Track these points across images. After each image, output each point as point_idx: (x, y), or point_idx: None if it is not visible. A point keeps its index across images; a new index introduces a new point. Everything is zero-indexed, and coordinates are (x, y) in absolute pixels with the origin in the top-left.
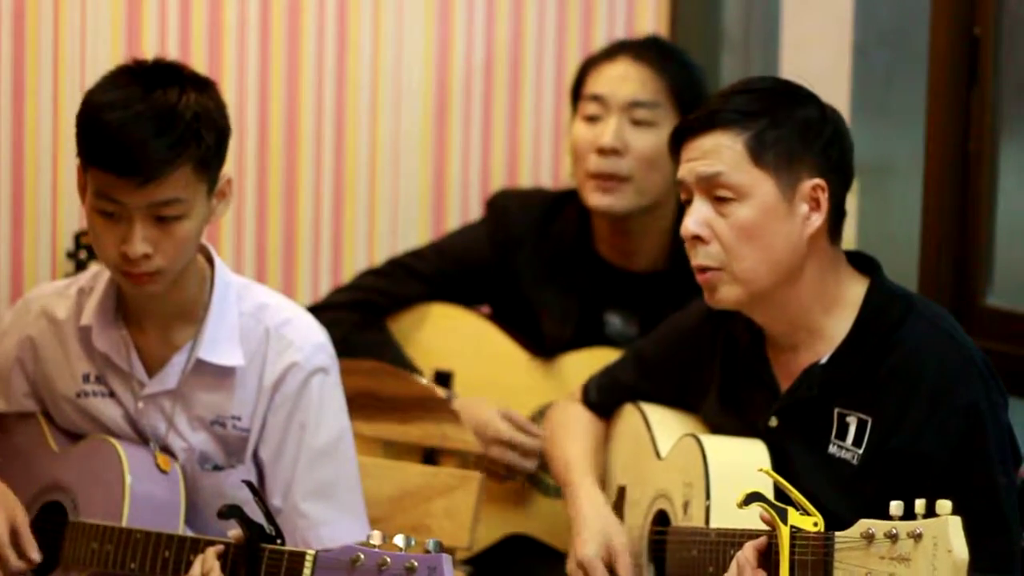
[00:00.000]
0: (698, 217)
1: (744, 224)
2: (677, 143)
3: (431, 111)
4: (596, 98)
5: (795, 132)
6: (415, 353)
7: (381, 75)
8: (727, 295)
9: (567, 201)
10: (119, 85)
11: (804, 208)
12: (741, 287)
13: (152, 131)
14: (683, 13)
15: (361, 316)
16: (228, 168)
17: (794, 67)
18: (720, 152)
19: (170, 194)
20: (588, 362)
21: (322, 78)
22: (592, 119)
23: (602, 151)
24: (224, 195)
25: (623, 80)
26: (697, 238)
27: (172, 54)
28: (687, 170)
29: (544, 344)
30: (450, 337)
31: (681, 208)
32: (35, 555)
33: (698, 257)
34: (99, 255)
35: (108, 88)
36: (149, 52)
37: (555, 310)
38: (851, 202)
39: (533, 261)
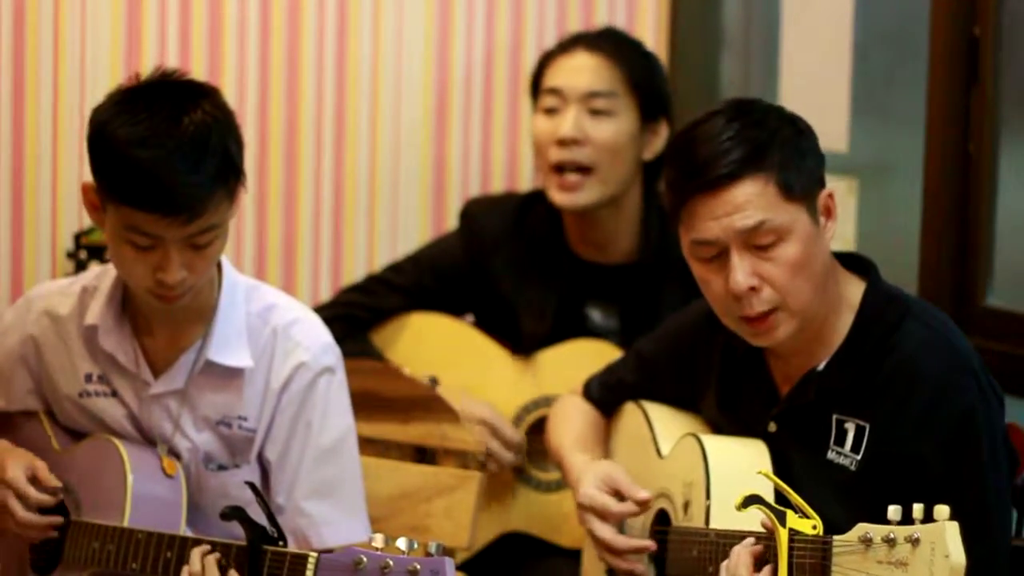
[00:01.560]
0: (747, 270)
1: (794, 261)
2: (685, 203)
3: (431, 111)
4: (554, 91)
5: (801, 153)
6: (398, 363)
7: (381, 75)
8: (785, 331)
9: (537, 200)
10: (138, 116)
11: (823, 220)
12: (797, 319)
13: (188, 168)
14: (683, 13)
15: (343, 330)
16: None
17: (794, 67)
18: (754, 201)
19: (209, 222)
20: (569, 355)
21: (322, 78)
22: (551, 111)
23: (562, 142)
24: (237, 198)
25: (579, 71)
26: (752, 290)
27: (172, 55)
28: (719, 228)
29: (524, 341)
30: (431, 344)
31: (647, 197)
32: (56, 483)
33: (753, 306)
34: (127, 279)
35: (124, 117)
36: (149, 53)
37: (533, 307)
38: (851, 202)
39: (509, 263)
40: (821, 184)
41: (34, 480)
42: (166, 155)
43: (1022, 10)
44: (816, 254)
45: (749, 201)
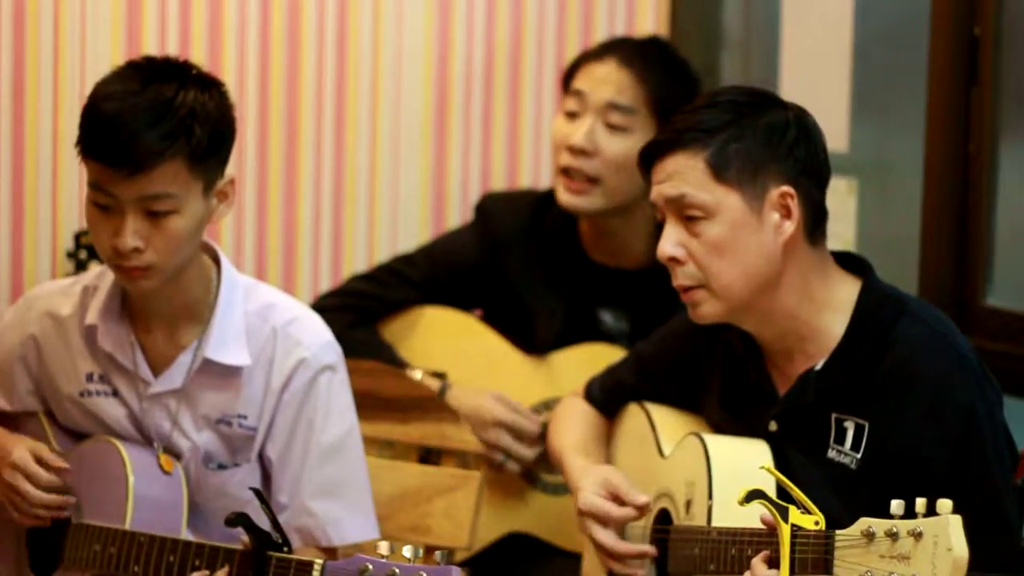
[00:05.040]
0: (671, 239)
1: (715, 241)
2: (647, 165)
3: (431, 110)
4: (577, 93)
5: (757, 142)
6: (407, 356)
7: (381, 75)
8: (709, 311)
9: (554, 201)
10: (122, 78)
11: (775, 217)
12: (722, 302)
13: (144, 122)
14: (683, 13)
15: (352, 318)
16: (228, 168)
17: (794, 67)
18: (683, 173)
19: (160, 188)
20: (580, 358)
21: (322, 78)
22: (571, 115)
23: (572, 149)
24: (226, 196)
25: (604, 81)
26: (673, 259)
27: (172, 53)
28: (656, 192)
29: (536, 343)
30: (442, 339)
31: None
32: (63, 463)
33: (677, 278)
34: (96, 248)
35: (111, 81)
36: (149, 51)
37: (546, 308)
38: (851, 202)
39: (523, 261)
40: (780, 181)
41: (40, 462)
42: (126, 108)
43: (1022, 10)
44: (747, 244)
45: (678, 172)
